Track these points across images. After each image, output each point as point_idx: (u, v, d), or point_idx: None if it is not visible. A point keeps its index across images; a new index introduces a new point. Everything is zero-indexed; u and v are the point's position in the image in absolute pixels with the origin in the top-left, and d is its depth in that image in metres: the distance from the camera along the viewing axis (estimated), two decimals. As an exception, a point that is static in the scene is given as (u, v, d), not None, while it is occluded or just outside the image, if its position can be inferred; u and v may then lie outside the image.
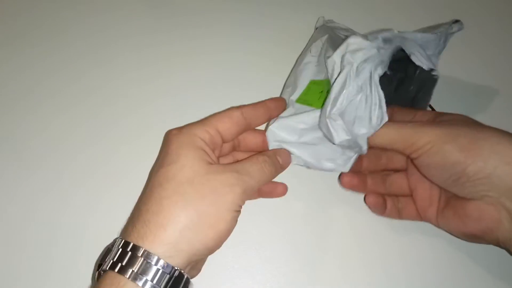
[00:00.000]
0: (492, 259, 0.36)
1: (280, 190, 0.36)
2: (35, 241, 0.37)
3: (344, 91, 0.31)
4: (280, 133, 0.35)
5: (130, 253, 0.26)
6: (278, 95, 0.39)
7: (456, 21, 0.36)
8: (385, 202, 0.36)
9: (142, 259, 0.26)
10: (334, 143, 0.32)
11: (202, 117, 0.33)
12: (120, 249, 0.27)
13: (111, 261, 0.27)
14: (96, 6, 0.47)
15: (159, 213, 0.27)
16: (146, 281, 0.25)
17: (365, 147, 0.32)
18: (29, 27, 0.46)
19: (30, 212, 0.38)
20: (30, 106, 0.42)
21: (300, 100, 0.37)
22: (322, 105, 0.33)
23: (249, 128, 0.34)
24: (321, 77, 0.37)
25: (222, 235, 0.28)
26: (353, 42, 0.32)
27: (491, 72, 0.44)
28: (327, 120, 0.31)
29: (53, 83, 0.43)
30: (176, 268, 0.26)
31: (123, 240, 0.27)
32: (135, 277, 0.25)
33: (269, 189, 0.36)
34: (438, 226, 0.35)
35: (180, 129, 0.31)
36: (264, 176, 0.31)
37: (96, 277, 0.28)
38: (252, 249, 0.36)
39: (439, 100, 0.38)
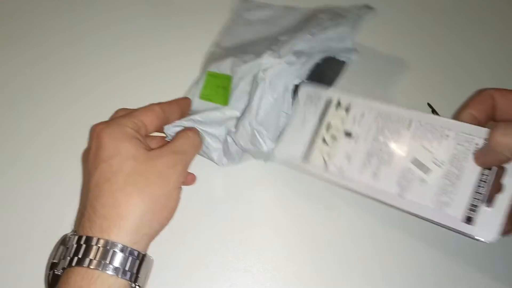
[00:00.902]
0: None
1: (190, 178, 0.37)
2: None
3: (261, 104, 0.34)
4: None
5: (97, 247, 0.27)
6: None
7: (367, 8, 0.40)
8: None
9: (112, 250, 0.27)
10: (242, 149, 0.36)
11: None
12: (84, 245, 0.27)
13: (76, 257, 0.27)
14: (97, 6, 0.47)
15: (117, 205, 0.28)
16: (118, 269, 0.27)
17: (264, 149, 0.34)
18: (29, 27, 0.47)
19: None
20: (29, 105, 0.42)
21: (203, 96, 0.39)
22: (223, 101, 0.37)
23: (167, 122, 0.35)
24: (220, 69, 0.38)
25: (173, 212, 0.30)
26: (265, 62, 0.35)
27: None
28: (255, 133, 0.34)
29: (53, 82, 0.43)
30: (143, 252, 0.28)
31: (85, 236, 0.28)
32: (106, 268, 0.27)
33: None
34: None
35: (106, 122, 0.32)
36: (197, 149, 0.34)
37: (49, 276, 0.29)
38: (252, 249, 0.36)
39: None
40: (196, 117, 0.36)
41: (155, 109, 0.34)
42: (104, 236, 0.27)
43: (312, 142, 0.34)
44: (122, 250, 0.27)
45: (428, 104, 0.41)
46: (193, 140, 0.33)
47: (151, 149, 0.31)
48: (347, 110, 0.34)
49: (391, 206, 0.30)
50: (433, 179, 0.29)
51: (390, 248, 0.36)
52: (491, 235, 0.27)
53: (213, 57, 0.41)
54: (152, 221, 0.29)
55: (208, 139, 0.36)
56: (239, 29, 0.43)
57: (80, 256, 0.27)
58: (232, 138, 0.35)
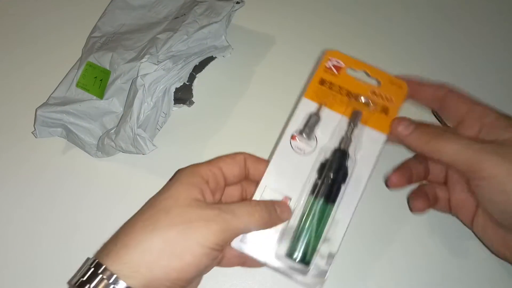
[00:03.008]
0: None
1: (235, 259, 0.33)
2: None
3: (142, 109, 0.36)
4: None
5: (92, 269, 0.27)
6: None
7: (239, 2, 0.42)
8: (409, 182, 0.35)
9: (101, 276, 0.26)
10: (122, 150, 0.38)
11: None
12: (85, 265, 0.27)
13: (77, 277, 0.27)
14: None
15: (129, 234, 0.28)
16: None
17: (146, 151, 0.36)
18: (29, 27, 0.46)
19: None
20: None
21: (79, 84, 0.40)
22: (98, 94, 0.39)
23: (248, 176, 0.33)
24: (100, 61, 0.40)
25: (187, 269, 0.27)
26: (143, 67, 0.37)
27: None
28: (137, 137, 0.36)
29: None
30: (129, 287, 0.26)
31: (93, 257, 0.28)
32: None
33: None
34: (473, 230, 0.34)
35: (189, 166, 0.31)
36: (253, 220, 0.29)
37: None
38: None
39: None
40: (70, 109, 0.38)
41: (237, 158, 0.33)
42: (103, 260, 0.26)
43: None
44: (112, 281, 0.26)
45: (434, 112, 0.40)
46: (254, 210, 0.30)
47: (204, 202, 0.29)
48: None
49: None
50: None
51: (393, 248, 0.37)
52: None
53: (94, 45, 0.42)
54: (152, 263, 0.26)
55: (81, 136, 0.38)
56: (119, 13, 0.44)
57: (78, 275, 0.27)
58: (112, 140, 0.37)
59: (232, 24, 0.45)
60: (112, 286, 0.25)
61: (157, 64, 0.37)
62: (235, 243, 0.31)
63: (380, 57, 0.37)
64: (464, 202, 0.34)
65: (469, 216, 0.34)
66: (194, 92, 0.42)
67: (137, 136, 0.36)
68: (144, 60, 0.37)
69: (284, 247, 0.31)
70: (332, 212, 0.32)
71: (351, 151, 0.33)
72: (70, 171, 0.40)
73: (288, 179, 0.33)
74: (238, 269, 0.34)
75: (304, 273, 0.31)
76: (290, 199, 0.32)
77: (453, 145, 0.30)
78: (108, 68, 0.39)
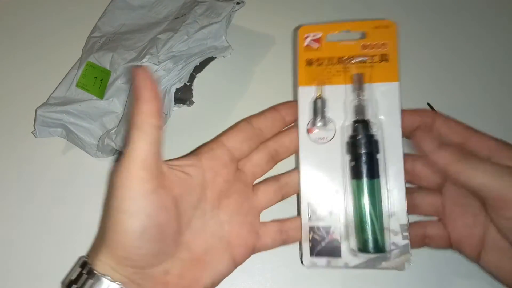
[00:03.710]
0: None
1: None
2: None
3: None
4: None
5: (79, 269, 0.27)
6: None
7: (239, 3, 0.42)
8: None
9: (86, 275, 0.27)
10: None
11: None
12: (76, 264, 0.28)
13: (68, 277, 0.28)
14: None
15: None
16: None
17: None
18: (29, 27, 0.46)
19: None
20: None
21: (79, 84, 0.40)
22: (99, 94, 0.38)
23: (263, 138, 0.33)
24: (100, 61, 0.40)
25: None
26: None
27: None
28: None
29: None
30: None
31: (83, 256, 0.28)
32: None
33: None
34: (475, 260, 0.31)
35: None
36: None
37: None
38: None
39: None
40: (70, 108, 0.38)
41: (241, 127, 0.33)
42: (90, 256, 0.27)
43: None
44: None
45: (428, 104, 0.41)
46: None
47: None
48: None
49: None
50: None
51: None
52: None
53: (94, 45, 0.42)
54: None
55: (81, 136, 0.38)
56: (119, 13, 0.44)
57: (73, 278, 0.27)
58: (112, 140, 0.37)
59: (232, 24, 0.45)
60: (96, 284, 0.26)
61: (157, 65, 0.37)
62: (307, 262, 0.31)
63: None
64: (468, 238, 0.31)
65: (475, 251, 0.31)
66: (194, 92, 0.42)
67: None
68: (144, 60, 0.37)
69: (354, 241, 0.30)
70: (383, 185, 0.30)
71: (370, 116, 0.31)
72: (70, 171, 0.40)
73: (326, 176, 0.31)
74: (238, 270, 0.34)
75: (386, 258, 0.29)
76: (337, 191, 0.31)
77: (487, 170, 0.28)
78: (108, 68, 0.39)
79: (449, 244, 0.32)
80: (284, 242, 0.33)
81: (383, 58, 0.32)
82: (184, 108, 0.42)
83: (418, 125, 0.31)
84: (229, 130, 0.33)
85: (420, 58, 0.43)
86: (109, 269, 0.26)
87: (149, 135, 0.26)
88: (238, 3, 0.43)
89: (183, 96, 0.41)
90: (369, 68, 0.32)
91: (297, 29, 0.34)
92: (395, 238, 0.29)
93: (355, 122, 0.31)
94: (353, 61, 0.32)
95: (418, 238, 0.32)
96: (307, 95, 0.33)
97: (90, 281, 0.26)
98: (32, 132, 0.40)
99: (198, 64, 0.41)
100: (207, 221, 0.31)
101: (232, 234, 0.31)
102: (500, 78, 0.43)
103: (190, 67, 0.40)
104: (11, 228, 0.38)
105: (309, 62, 0.33)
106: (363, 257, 0.30)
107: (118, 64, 0.39)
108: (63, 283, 0.28)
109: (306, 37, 0.33)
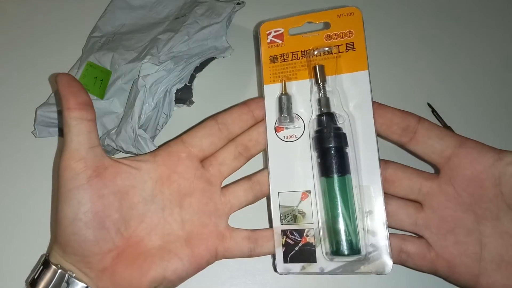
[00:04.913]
0: None
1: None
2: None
3: (143, 110, 0.36)
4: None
5: (42, 267, 0.28)
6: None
7: (239, 3, 0.42)
8: None
9: (48, 273, 0.28)
10: (123, 151, 0.37)
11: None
12: (39, 262, 0.30)
13: (31, 275, 0.29)
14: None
15: None
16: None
17: (147, 150, 0.35)
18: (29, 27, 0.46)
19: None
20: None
21: None
22: (99, 94, 0.38)
23: (230, 135, 0.33)
24: (100, 61, 0.40)
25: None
26: (144, 68, 0.37)
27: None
28: (138, 138, 0.35)
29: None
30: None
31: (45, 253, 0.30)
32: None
33: None
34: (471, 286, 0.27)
35: None
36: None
37: None
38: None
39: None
40: None
41: (207, 125, 0.32)
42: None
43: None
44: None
45: (428, 104, 0.41)
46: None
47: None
48: None
49: None
50: None
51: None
52: None
53: (95, 44, 0.42)
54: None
55: None
56: (120, 13, 0.44)
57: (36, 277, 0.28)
58: (113, 140, 0.37)
59: (232, 24, 0.45)
60: (48, 272, 0.27)
61: (158, 65, 0.37)
62: (280, 268, 0.29)
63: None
64: (462, 257, 0.27)
65: (471, 274, 0.27)
66: (194, 92, 0.42)
67: (138, 137, 0.36)
68: (145, 60, 0.37)
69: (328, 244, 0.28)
70: (354, 182, 0.28)
71: (335, 108, 0.30)
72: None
73: (297, 176, 0.30)
74: (238, 269, 0.34)
75: (365, 260, 0.27)
76: (309, 191, 0.29)
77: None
78: (109, 68, 0.39)
79: (433, 267, 0.28)
80: (252, 250, 0.31)
81: (350, 46, 0.31)
82: (184, 108, 0.42)
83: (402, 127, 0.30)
84: (193, 127, 0.33)
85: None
86: (60, 258, 0.28)
87: (77, 128, 0.28)
88: (238, 3, 0.43)
89: (183, 96, 0.41)
90: (336, 58, 0.30)
91: (258, 25, 0.33)
92: (373, 239, 0.27)
93: (318, 115, 0.30)
94: (315, 53, 0.31)
95: (394, 252, 0.28)
96: (272, 92, 0.32)
97: (44, 270, 0.28)
98: (32, 132, 0.40)
99: (198, 64, 0.41)
100: (166, 218, 0.31)
101: (192, 234, 0.31)
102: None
103: (191, 68, 0.40)
104: (11, 228, 0.38)
105: (273, 59, 0.32)
106: (340, 261, 0.28)
107: (119, 64, 0.39)
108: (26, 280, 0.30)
109: (269, 34, 0.32)
